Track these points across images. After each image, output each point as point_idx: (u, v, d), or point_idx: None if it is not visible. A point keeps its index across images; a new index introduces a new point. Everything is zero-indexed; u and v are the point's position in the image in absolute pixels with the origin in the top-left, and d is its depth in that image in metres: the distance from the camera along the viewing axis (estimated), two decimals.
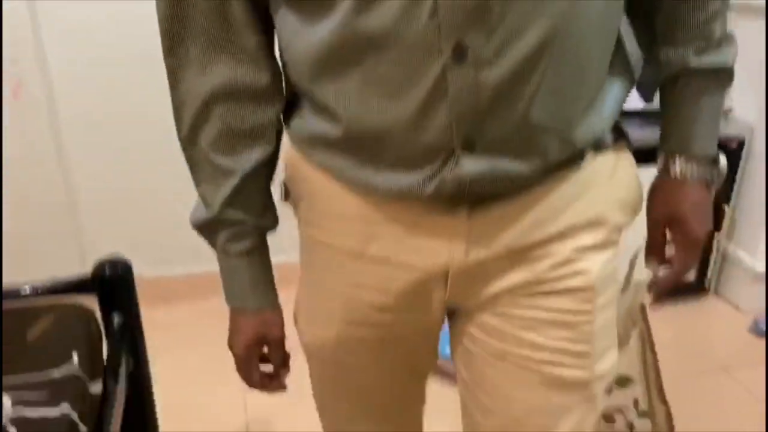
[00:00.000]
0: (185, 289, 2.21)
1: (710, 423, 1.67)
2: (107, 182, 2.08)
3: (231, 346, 0.80)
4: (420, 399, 0.91)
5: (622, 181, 0.71)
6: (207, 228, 0.75)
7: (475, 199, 0.65)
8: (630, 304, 1.58)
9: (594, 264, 0.69)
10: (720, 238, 2.10)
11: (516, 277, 0.69)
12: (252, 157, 0.71)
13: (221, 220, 0.73)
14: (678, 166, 0.74)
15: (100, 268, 1.11)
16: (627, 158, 0.73)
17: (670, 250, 0.80)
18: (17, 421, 0.84)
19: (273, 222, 0.77)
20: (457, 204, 0.65)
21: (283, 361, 0.82)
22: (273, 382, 0.82)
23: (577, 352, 0.70)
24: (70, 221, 2.10)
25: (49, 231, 2.08)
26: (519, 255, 0.68)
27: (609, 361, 0.74)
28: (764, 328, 1.98)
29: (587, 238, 0.68)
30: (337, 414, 0.87)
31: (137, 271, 1.15)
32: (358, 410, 0.85)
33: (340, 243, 0.70)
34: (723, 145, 1.96)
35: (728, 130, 2.00)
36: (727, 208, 2.07)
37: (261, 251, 0.77)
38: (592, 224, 0.68)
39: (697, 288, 2.17)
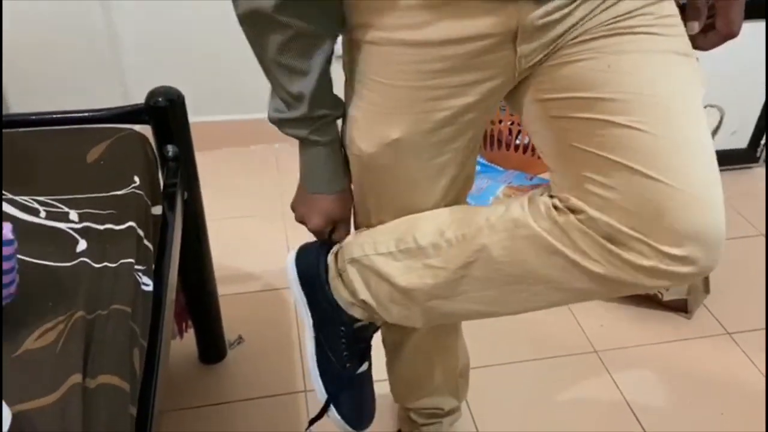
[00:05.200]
0: (229, 135, 2.22)
1: (745, 283, 1.69)
2: (149, 22, 2.02)
3: (305, 222, 0.91)
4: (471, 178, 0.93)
5: None
6: (293, 123, 0.82)
7: None
8: None
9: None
10: None
11: (580, 10, 0.69)
12: (325, 54, 0.76)
13: (309, 116, 0.80)
14: None
15: (153, 98, 1.10)
16: None
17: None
18: (86, 233, 0.87)
19: (342, 111, 0.84)
20: None
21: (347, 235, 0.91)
22: None
23: (673, 34, 0.72)
24: (112, 58, 2.07)
25: (90, 68, 2.07)
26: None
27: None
28: None
29: None
30: (385, 209, 0.88)
31: None
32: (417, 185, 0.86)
33: (401, 36, 0.71)
34: None
35: None
36: None
37: (338, 140, 0.85)
38: None
39: (748, 157, 2.11)
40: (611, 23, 0.70)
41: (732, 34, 0.73)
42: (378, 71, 0.75)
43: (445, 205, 0.86)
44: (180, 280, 1.33)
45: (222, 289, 1.48)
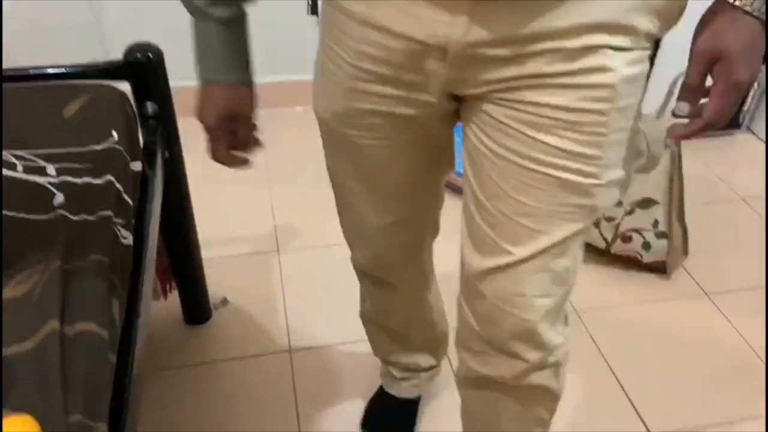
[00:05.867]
0: None
1: (723, 246, 1.72)
2: None
3: (201, 118, 0.79)
4: (434, 196, 0.92)
5: None
6: None
7: None
8: (664, 128, 1.57)
9: (617, 63, 0.63)
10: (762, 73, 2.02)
11: (524, 68, 0.64)
12: None
13: None
14: None
15: (132, 54, 1.09)
16: None
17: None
18: (64, 186, 0.87)
19: None
20: None
21: (250, 138, 0.82)
22: (238, 158, 0.83)
23: (585, 155, 0.66)
24: (92, 21, 2.03)
25: (69, 25, 2.03)
26: (526, 44, 0.62)
27: (617, 174, 0.70)
28: None
29: (611, 39, 0.62)
30: (349, 195, 0.88)
31: None
32: (369, 196, 0.86)
33: (351, 7, 0.68)
34: None
35: None
36: None
37: (242, 24, 0.76)
38: (617, 28, 0.62)
39: (730, 122, 2.12)
40: (531, 111, 0.65)
41: (716, 125, 0.66)
42: (331, 35, 0.73)
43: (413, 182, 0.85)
44: (163, 241, 1.34)
45: (207, 253, 1.48)
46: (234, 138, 0.81)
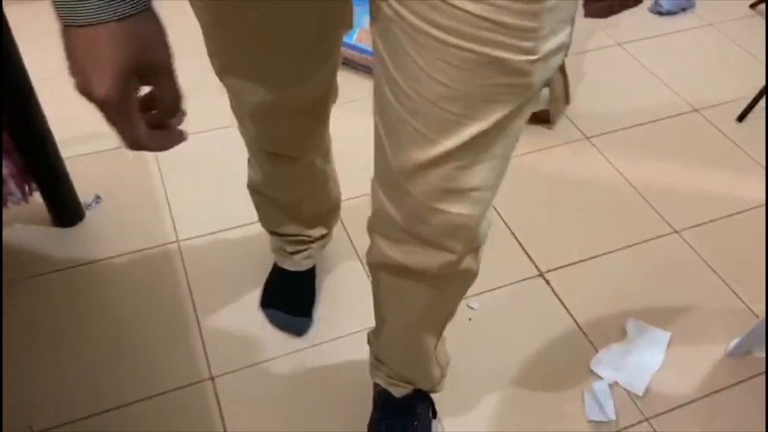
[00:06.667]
0: None
1: (602, 91, 1.76)
2: None
3: (89, 90, 0.48)
4: (329, 54, 0.83)
5: None
6: None
7: None
8: None
9: None
10: None
11: None
12: None
13: None
14: None
15: None
16: None
17: None
18: None
19: None
20: None
21: (176, 97, 0.53)
22: (170, 134, 0.55)
23: (517, 27, 0.55)
24: None
25: None
26: None
27: (556, 41, 0.59)
28: (663, 5, 2.01)
29: None
30: (239, 67, 0.79)
31: None
32: (261, 64, 0.78)
33: None
34: None
35: None
36: None
37: None
38: None
39: None
40: None
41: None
42: None
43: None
44: (11, 139, 1.19)
45: (72, 151, 1.36)
46: (147, 104, 0.53)
